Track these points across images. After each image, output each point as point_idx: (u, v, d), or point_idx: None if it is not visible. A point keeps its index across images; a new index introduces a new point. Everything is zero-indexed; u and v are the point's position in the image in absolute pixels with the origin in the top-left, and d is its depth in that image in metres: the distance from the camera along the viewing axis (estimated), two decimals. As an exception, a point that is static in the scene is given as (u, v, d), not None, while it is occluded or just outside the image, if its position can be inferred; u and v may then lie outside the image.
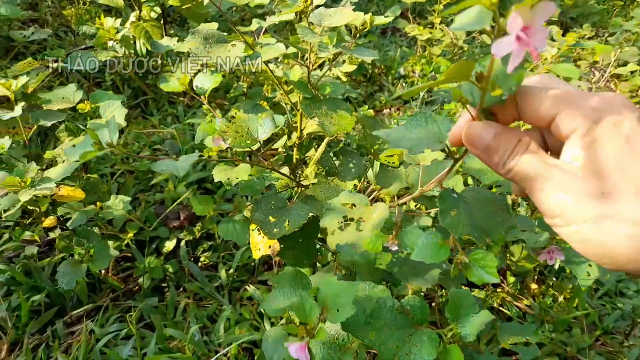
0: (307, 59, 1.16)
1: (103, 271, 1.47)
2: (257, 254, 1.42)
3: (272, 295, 0.95)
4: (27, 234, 1.58)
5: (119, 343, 1.35)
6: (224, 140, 1.21)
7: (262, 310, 1.41)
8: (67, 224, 1.20)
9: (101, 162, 1.90)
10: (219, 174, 1.29)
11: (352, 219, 0.88)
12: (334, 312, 0.81)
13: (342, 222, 0.94)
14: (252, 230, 1.35)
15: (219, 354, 1.27)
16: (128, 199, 1.28)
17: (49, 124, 1.25)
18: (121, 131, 2.09)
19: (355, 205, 1.01)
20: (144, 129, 2.09)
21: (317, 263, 1.40)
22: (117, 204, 1.26)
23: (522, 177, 0.38)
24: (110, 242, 1.31)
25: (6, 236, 1.57)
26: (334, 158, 1.22)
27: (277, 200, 1.11)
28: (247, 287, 1.48)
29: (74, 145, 0.93)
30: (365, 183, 1.56)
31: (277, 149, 1.54)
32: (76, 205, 1.24)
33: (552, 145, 0.45)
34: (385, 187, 1.15)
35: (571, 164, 0.36)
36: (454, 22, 0.38)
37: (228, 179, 1.30)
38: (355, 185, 1.55)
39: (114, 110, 1.32)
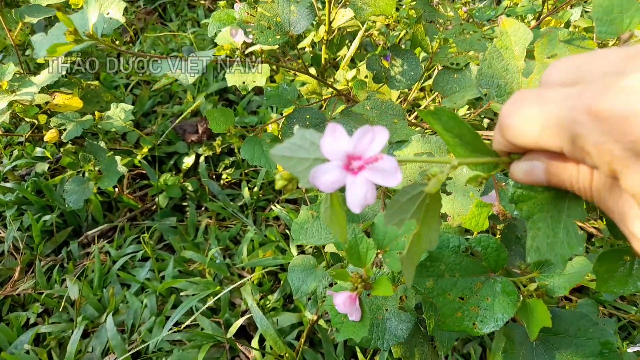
0: None
1: (118, 189, 1.35)
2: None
3: (306, 224, 0.78)
4: (38, 150, 1.47)
5: (136, 265, 1.26)
6: (246, 33, 1.00)
7: (288, 232, 1.27)
8: (62, 137, 1.05)
9: (115, 71, 1.74)
10: (233, 77, 1.09)
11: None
12: (395, 256, 0.64)
13: (427, 175, 0.76)
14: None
15: (243, 281, 1.15)
16: (130, 107, 1.11)
17: (34, 20, 1.07)
18: (136, 36, 1.90)
19: (434, 156, 0.79)
20: (161, 34, 1.89)
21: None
22: (119, 114, 1.10)
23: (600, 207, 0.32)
24: (118, 158, 1.16)
25: (17, 153, 1.47)
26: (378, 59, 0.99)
27: (313, 114, 0.92)
28: (272, 206, 1.34)
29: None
30: (406, 91, 1.33)
31: (303, 48, 1.32)
32: (72, 115, 1.08)
33: None
34: (447, 96, 0.93)
35: None
36: None
37: (243, 83, 1.11)
38: (401, 95, 1.32)
39: (110, 4, 1.12)
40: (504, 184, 0.80)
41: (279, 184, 0.34)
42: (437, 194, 0.39)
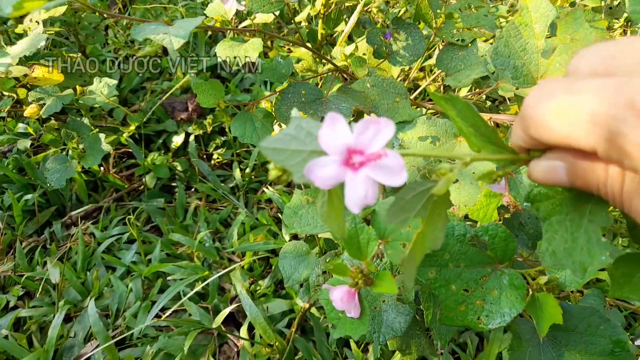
0: None
1: (103, 168, 1.30)
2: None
3: (299, 209, 0.73)
4: (20, 126, 1.40)
5: (122, 247, 1.21)
6: (238, 0, 0.94)
7: (280, 215, 1.22)
8: (41, 112, 0.99)
9: (103, 45, 1.67)
10: (224, 50, 1.03)
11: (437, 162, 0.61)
12: (397, 247, 0.59)
13: (424, 167, 0.71)
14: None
15: (233, 266, 1.11)
16: (114, 82, 1.05)
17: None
18: (125, 8, 1.82)
19: (438, 139, 0.74)
20: (151, 6, 1.81)
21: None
22: (102, 89, 1.04)
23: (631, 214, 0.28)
24: (103, 136, 1.10)
25: (-2, 128, 1.40)
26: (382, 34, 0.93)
27: (309, 90, 0.86)
28: (265, 188, 1.29)
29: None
30: (407, 69, 1.27)
31: (299, 23, 1.25)
32: (51, 89, 1.02)
33: None
34: (451, 74, 0.87)
35: None
36: None
37: (235, 57, 1.05)
38: (401, 73, 1.27)
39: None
40: (513, 173, 0.75)
41: (272, 174, 0.31)
42: (447, 191, 0.35)
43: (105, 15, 0.64)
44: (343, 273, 0.51)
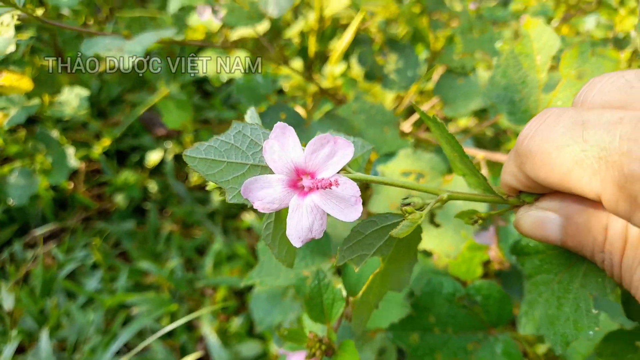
0: None
1: (73, 185, 1.20)
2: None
3: (263, 254, 0.64)
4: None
5: (87, 273, 1.11)
6: (214, 12, 0.88)
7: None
8: (5, 122, 0.91)
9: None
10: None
11: (419, 208, 0.51)
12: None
13: (402, 209, 0.64)
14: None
15: (201, 310, 1.01)
16: (86, 93, 0.97)
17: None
18: (113, 16, 1.74)
19: (423, 177, 0.66)
20: (139, 15, 1.73)
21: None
22: (72, 100, 0.95)
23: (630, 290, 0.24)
24: (72, 150, 1.02)
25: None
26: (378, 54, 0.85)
27: (290, 114, 0.77)
28: (244, 215, 1.20)
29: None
30: (402, 94, 1.20)
31: (288, 39, 1.18)
32: (18, 98, 0.94)
33: None
34: (449, 103, 0.80)
35: None
36: None
37: (218, 72, 0.98)
38: (398, 98, 1.19)
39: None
40: (504, 221, 0.66)
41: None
42: (417, 227, 0.30)
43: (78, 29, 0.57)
44: (300, 341, 0.42)
